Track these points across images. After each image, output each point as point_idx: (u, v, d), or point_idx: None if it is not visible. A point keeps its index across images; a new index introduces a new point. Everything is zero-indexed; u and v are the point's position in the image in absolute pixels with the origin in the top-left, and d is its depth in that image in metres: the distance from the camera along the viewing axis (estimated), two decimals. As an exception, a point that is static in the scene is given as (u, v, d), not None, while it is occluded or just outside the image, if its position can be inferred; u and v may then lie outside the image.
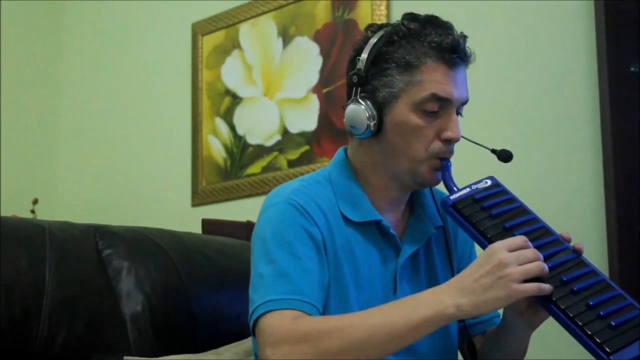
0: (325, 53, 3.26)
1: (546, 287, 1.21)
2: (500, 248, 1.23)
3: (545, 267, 1.22)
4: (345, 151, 1.51)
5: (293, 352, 1.23)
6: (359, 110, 1.40)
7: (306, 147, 3.27)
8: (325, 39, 3.27)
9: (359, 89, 1.41)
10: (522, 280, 1.20)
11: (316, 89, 3.27)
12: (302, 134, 3.30)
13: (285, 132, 3.36)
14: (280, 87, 3.40)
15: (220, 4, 3.63)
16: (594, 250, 2.43)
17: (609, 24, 2.51)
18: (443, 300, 1.22)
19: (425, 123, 1.38)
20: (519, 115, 2.70)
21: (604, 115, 2.48)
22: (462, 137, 1.42)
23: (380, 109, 1.40)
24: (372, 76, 1.41)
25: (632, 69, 2.50)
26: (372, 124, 1.40)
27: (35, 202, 3.58)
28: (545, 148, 2.63)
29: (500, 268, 1.20)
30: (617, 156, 2.45)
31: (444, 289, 1.24)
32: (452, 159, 1.43)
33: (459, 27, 1.44)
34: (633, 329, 1.20)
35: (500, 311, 1.45)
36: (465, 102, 1.43)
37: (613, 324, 1.20)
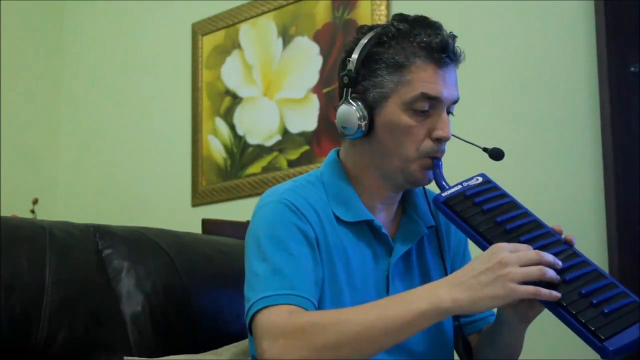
0: (325, 53, 3.26)
1: (545, 292, 1.21)
2: (504, 248, 1.23)
3: (549, 271, 1.21)
4: (338, 153, 1.52)
5: (289, 346, 1.24)
6: (350, 111, 1.41)
7: (306, 147, 3.28)
8: (325, 39, 3.27)
9: (350, 89, 1.43)
10: (522, 282, 1.20)
11: (316, 89, 3.27)
12: (302, 134, 3.30)
13: (285, 132, 3.36)
14: (280, 87, 3.40)
15: (220, 4, 3.63)
16: (594, 250, 2.43)
17: (609, 24, 2.51)
18: (439, 294, 1.22)
19: (416, 122, 1.39)
20: (518, 115, 2.70)
21: (604, 115, 2.48)
22: (454, 136, 1.43)
23: (371, 109, 1.41)
24: (363, 77, 1.42)
25: (632, 69, 2.50)
26: (363, 124, 1.41)
27: (35, 202, 3.59)
28: (545, 148, 2.63)
29: (501, 267, 1.20)
30: (617, 156, 2.45)
31: (441, 284, 1.24)
32: (449, 160, 1.44)
33: (457, 27, 1.44)
34: (625, 316, 1.22)
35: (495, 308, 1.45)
36: (455, 102, 1.44)
37: (606, 311, 1.21)
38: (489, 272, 1.21)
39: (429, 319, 1.23)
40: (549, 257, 1.23)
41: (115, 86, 4.03)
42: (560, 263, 1.24)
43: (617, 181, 2.44)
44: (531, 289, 1.20)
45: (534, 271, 1.20)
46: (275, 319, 1.27)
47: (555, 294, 1.21)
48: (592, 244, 2.44)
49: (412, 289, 1.28)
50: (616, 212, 2.42)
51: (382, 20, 3.03)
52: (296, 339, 1.24)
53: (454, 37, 1.41)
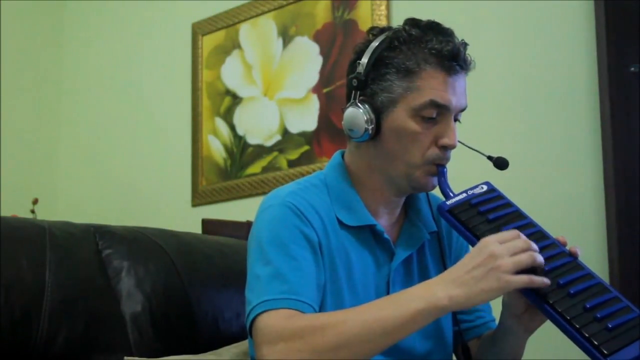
0: (325, 53, 3.26)
1: (537, 279, 1.21)
2: (492, 241, 1.24)
3: (538, 257, 1.22)
4: (342, 155, 1.52)
5: (289, 350, 1.24)
6: (357, 114, 1.41)
7: (306, 147, 3.28)
8: (325, 39, 3.27)
9: (358, 92, 1.42)
10: (515, 272, 1.21)
11: (316, 89, 3.27)
12: (302, 134, 3.30)
13: (285, 132, 3.36)
14: (280, 87, 3.40)
15: (220, 4, 3.63)
16: (594, 250, 2.43)
17: (609, 24, 2.51)
18: (435, 292, 1.22)
19: (423, 129, 1.39)
20: (519, 115, 2.70)
21: (604, 115, 2.48)
22: (460, 142, 1.43)
23: (379, 113, 1.40)
24: (372, 80, 1.41)
25: (632, 69, 2.51)
26: (370, 127, 1.40)
27: (35, 202, 3.59)
28: (546, 148, 2.63)
29: (492, 260, 1.21)
30: (617, 156, 2.45)
31: (436, 282, 1.25)
32: (451, 164, 1.43)
33: (458, 28, 1.44)
34: (629, 330, 1.21)
35: (497, 315, 1.45)
36: (463, 109, 1.43)
37: (610, 326, 1.20)
38: (481, 267, 1.21)
39: (426, 318, 1.23)
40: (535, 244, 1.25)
41: (115, 86, 4.03)
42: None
43: (617, 181, 2.44)
44: (525, 277, 1.21)
45: (524, 258, 1.21)
46: (274, 323, 1.27)
47: (547, 280, 1.22)
48: (592, 244, 2.44)
49: (409, 288, 1.28)
50: (616, 212, 2.43)
51: (382, 20, 3.03)
52: (295, 342, 1.24)
53: (465, 44, 1.41)
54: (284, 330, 1.26)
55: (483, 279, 1.20)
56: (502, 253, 1.21)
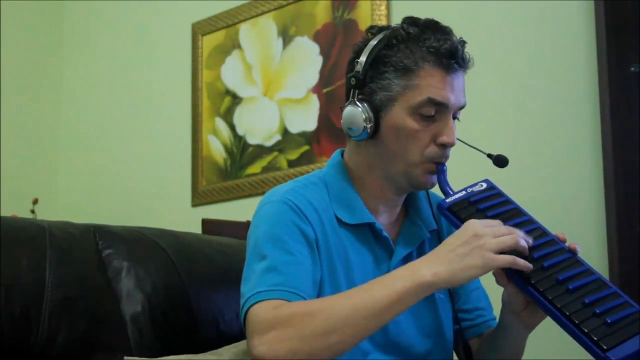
0: (325, 53, 3.26)
1: (521, 261, 1.24)
2: (477, 222, 1.27)
3: (522, 241, 1.25)
4: (342, 154, 1.52)
5: (279, 338, 1.24)
6: (356, 112, 1.41)
7: (306, 147, 3.28)
8: (325, 39, 3.27)
9: (357, 91, 1.42)
10: (499, 252, 1.23)
11: (316, 89, 3.27)
12: (302, 134, 3.30)
13: (285, 132, 3.36)
14: (280, 87, 3.40)
15: (220, 4, 3.63)
16: (594, 250, 2.43)
17: (609, 24, 2.51)
18: (420, 270, 1.24)
19: (421, 127, 1.39)
20: (519, 115, 2.71)
21: (604, 115, 2.48)
22: (459, 140, 1.43)
23: (377, 111, 1.41)
24: (370, 79, 1.42)
25: (632, 69, 2.51)
26: (368, 126, 1.41)
27: (35, 202, 3.59)
28: (546, 148, 2.63)
29: (476, 239, 1.24)
30: (617, 156, 2.45)
31: (421, 261, 1.27)
32: (451, 162, 1.44)
33: (457, 28, 1.44)
34: (628, 326, 1.22)
35: (497, 315, 1.45)
36: (462, 107, 1.44)
37: (609, 321, 1.21)
38: (465, 245, 1.24)
39: (413, 296, 1.24)
40: (520, 231, 1.27)
41: (115, 86, 4.03)
42: (531, 241, 1.27)
43: (617, 181, 2.44)
44: (508, 257, 1.24)
45: (507, 239, 1.24)
46: (264, 313, 1.28)
47: (530, 265, 1.25)
48: (592, 244, 2.44)
49: (394, 270, 1.30)
50: (616, 212, 2.43)
51: (382, 20, 3.03)
52: (285, 329, 1.24)
53: (463, 42, 1.41)
54: (273, 318, 1.26)
55: (467, 256, 1.23)
56: (486, 233, 1.24)
